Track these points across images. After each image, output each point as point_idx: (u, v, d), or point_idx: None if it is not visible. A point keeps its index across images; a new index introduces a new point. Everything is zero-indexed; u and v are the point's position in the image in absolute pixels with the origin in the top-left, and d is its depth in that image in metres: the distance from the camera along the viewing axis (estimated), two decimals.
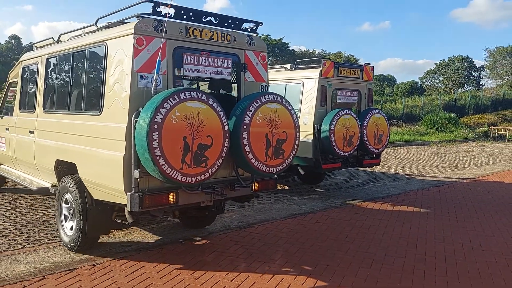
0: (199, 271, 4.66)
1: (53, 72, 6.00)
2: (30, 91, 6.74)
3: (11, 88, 8.01)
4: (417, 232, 6.32)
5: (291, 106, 5.07)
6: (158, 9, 4.40)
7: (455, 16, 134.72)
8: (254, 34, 5.28)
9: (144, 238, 5.75)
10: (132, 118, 4.19)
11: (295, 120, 5.07)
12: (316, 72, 8.15)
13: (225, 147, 4.48)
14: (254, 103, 4.71)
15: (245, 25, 5.16)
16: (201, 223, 6.22)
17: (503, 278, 4.71)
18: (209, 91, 5.62)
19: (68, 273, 4.60)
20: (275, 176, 5.32)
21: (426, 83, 63.81)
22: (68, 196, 5.29)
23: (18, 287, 4.25)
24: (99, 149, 4.67)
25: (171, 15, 4.50)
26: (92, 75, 5.11)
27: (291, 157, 5.06)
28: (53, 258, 5.05)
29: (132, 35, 4.28)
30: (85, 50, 5.09)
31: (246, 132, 4.63)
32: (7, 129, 7.29)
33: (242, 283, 4.40)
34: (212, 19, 4.81)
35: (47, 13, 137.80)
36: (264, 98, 4.79)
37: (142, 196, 4.20)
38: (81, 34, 5.46)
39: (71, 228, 5.26)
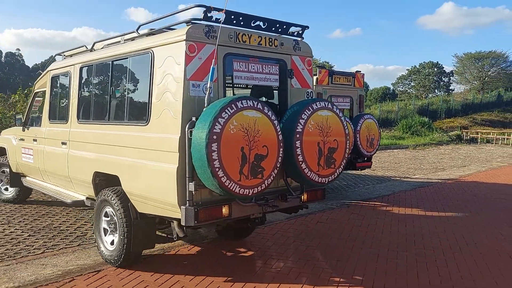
0: (227, 271, 4.89)
1: (88, 82, 5.82)
2: (61, 101, 6.57)
3: (36, 98, 7.84)
4: (412, 229, 6.77)
5: (342, 113, 4.89)
6: (209, 14, 4.22)
7: (422, 23, 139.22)
8: (299, 39, 5.10)
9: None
10: (186, 129, 4.00)
11: (345, 128, 4.88)
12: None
13: (280, 157, 4.29)
14: (306, 110, 4.52)
15: (292, 29, 4.98)
16: (240, 234, 6.03)
17: (498, 267, 5.17)
18: None
19: (95, 274, 4.83)
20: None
21: (398, 89, 66.08)
22: (108, 209, 5.11)
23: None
24: (147, 160, 4.48)
25: (222, 20, 4.32)
26: (136, 84, 4.94)
27: (342, 166, 4.87)
28: (76, 261, 5.23)
29: (184, 41, 4.11)
30: (127, 58, 4.91)
31: (299, 141, 4.44)
32: (34, 140, 7.11)
33: (265, 277, 4.77)
34: (261, 23, 4.64)
35: (13, 19, 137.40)
36: (316, 105, 4.60)
37: (197, 210, 4.01)
38: (119, 42, 5.29)
39: (112, 243, 5.07)
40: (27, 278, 4.70)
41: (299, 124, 4.45)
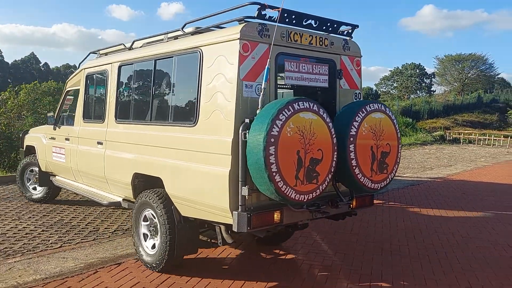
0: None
1: (128, 80, 5.69)
2: (97, 100, 6.47)
3: (68, 97, 7.75)
4: (410, 225, 7.09)
5: (394, 115, 4.69)
6: (263, 12, 4.06)
7: (404, 25, 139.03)
8: (349, 38, 4.92)
9: None
10: (240, 131, 3.85)
11: (398, 131, 4.69)
12: None
13: (334, 161, 4.12)
14: (360, 112, 4.34)
15: (341, 28, 4.80)
16: (279, 239, 5.87)
17: (494, 259, 5.58)
18: None
19: (117, 266, 5.09)
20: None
21: (381, 89, 67.09)
22: (149, 212, 4.98)
23: (76, 279, 4.69)
24: (194, 163, 4.34)
25: (275, 18, 4.16)
26: (182, 84, 4.79)
27: (394, 172, 4.68)
28: (95, 254, 5.47)
29: (238, 40, 3.95)
30: (172, 57, 4.77)
31: (352, 145, 4.26)
32: (67, 139, 7.02)
33: (281, 267, 5.13)
34: (312, 22, 4.46)
35: None
36: (370, 106, 4.42)
37: (250, 216, 3.85)
38: (162, 40, 5.15)
39: (153, 246, 4.94)
40: (52, 270, 4.91)
41: (352, 127, 4.27)
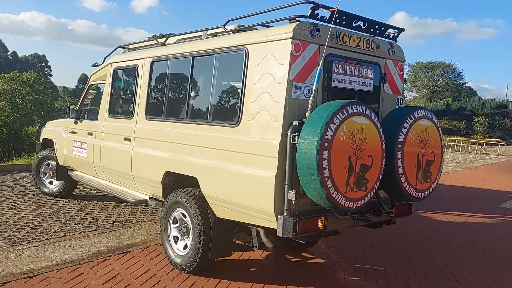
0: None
1: (161, 77, 5.56)
2: (125, 96, 6.34)
3: (90, 91, 7.62)
4: (396, 224, 6.96)
5: (438, 123, 4.57)
6: (315, 12, 3.94)
7: None
8: (394, 42, 4.80)
9: None
10: (288, 133, 3.72)
11: (442, 139, 4.57)
12: None
13: (382, 168, 3.99)
14: (408, 119, 4.22)
15: (388, 31, 4.67)
16: (307, 243, 5.73)
17: (473, 255, 6.04)
18: None
19: (124, 255, 5.27)
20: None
21: None
22: (180, 212, 4.85)
23: (88, 266, 4.86)
24: (235, 164, 4.21)
25: (326, 18, 4.04)
26: (223, 83, 4.66)
27: (436, 181, 4.55)
28: (100, 243, 5.64)
29: (290, 40, 3.82)
30: (213, 54, 4.63)
31: (400, 152, 4.14)
32: (89, 134, 6.89)
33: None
34: (361, 23, 4.34)
35: None
36: (418, 113, 4.30)
37: (296, 221, 3.72)
38: (201, 36, 5.03)
39: (185, 247, 4.82)
40: (61, 257, 5.07)
41: (401, 134, 4.14)
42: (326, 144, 3.49)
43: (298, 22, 3.88)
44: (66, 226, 6.33)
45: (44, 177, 8.35)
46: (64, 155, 7.69)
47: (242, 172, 4.13)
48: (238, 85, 4.30)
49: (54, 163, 8.20)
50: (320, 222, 3.93)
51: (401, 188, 4.19)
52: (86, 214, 7.12)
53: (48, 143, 8.41)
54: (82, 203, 7.88)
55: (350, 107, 3.68)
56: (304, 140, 3.57)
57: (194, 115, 4.88)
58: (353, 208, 3.78)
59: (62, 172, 7.95)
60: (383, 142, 3.95)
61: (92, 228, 6.32)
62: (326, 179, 3.51)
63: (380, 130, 3.93)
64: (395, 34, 4.74)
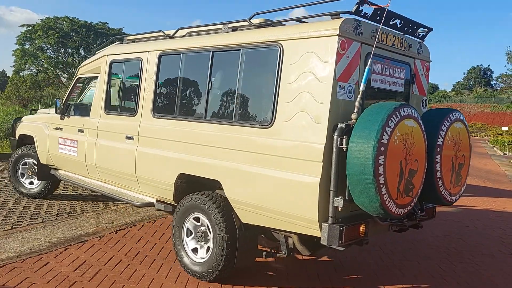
0: None
1: (171, 72, 5.19)
2: (126, 91, 5.91)
3: (78, 84, 7.11)
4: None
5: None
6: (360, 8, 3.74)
7: None
8: (422, 41, 4.68)
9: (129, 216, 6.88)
10: (335, 136, 3.51)
11: (471, 142, 4.50)
12: None
13: (424, 173, 3.86)
14: (446, 121, 4.11)
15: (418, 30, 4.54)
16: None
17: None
18: None
19: (83, 244, 5.41)
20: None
21: None
22: (197, 216, 4.57)
23: (52, 256, 4.96)
24: (268, 168, 3.95)
25: (368, 15, 3.85)
26: (251, 80, 4.36)
27: (465, 185, 4.48)
28: (53, 234, 5.76)
29: (336, 37, 3.60)
30: (239, 49, 4.33)
31: (439, 156, 4.02)
32: (80, 131, 6.41)
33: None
34: (397, 21, 4.17)
35: None
36: (453, 115, 4.20)
37: (343, 228, 3.53)
38: (221, 30, 4.71)
39: (201, 253, 4.54)
40: (20, 248, 5.11)
41: (439, 137, 4.03)
42: (382, 148, 3.31)
43: (344, 18, 3.67)
44: (9, 219, 6.34)
45: (22, 178, 7.76)
46: (47, 153, 7.14)
47: (276, 176, 3.88)
48: (270, 83, 4.04)
49: (31, 161, 7.63)
50: (362, 229, 3.76)
51: (437, 192, 4.09)
52: (24, 206, 7.10)
53: (25, 139, 7.81)
54: (15, 195, 7.83)
55: (402, 109, 3.52)
56: (356, 144, 3.36)
57: (216, 114, 4.57)
58: (401, 214, 3.63)
59: (44, 171, 7.40)
60: (426, 146, 3.82)
61: (38, 220, 6.40)
62: (381, 185, 3.33)
63: (424, 133, 3.79)
64: (424, 34, 4.61)
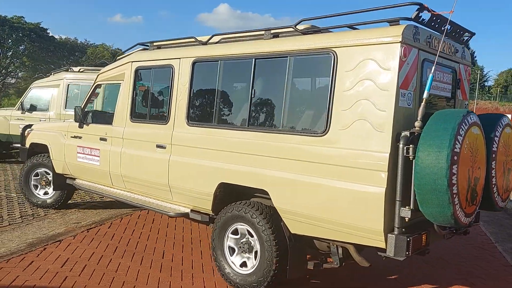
0: None
1: (207, 80, 5.07)
2: (155, 99, 5.77)
3: (96, 92, 6.93)
4: None
5: None
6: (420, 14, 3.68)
7: (201, 20, 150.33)
8: (464, 46, 4.66)
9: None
10: (401, 145, 3.45)
11: None
12: None
13: (484, 180, 3.82)
14: (498, 126, 4.08)
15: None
16: None
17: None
18: None
19: (59, 243, 5.57)
20: None
21: None
22: (241, 226, 4.48)
23: (34, 255, 5.12)
24: (324, 177, 3.86)
25: (425, 21, 3.80)
26: (300, 88, 4.31)
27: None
28: (26, 236, 5.89)
29: (399, 44, 3.54)
30: (286, 57, 4.24)
31: (494, 162, 4.00)
32: (102, 139, 6.24)
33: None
34: (448, 27, 4.13)
35: None
36: (504, 120, 4.18)
37: (410, 239, 3.47)
38: (263, 36, 4.61)
39: (243, 265, 4.46)
40: None
41: (494, 142, 4.00)
42: (455, 158, 3.26)
43: (405, 25, 3.61)
44: None
45: (36, 190, 7.53)
46: (63, 163, 6.95)
47: (331, 185, 3.80)
48: (322, 91, 3.97)
49: (44, 171, 7.42)
50: (424, 238, 3.70)
51: (492, 198, 4.06)
52: None
53: (36, 148, 7.59)
54: None
55: (469, 117, 3.47)
56: (427, 153, 3.30)
57: (261, 123, 4.47)
58: (467, 223, 3.58)
59: (59, 181, 7.20)
60: (486, 152, 3.79)
61: (4, 223, 6.50)
62: (454, 195, 3.28)
63: (485, 140, 3.76)
64: (468, 38, 4.59)
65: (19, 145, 11.92)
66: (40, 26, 46.31)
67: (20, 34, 40.64)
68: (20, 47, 42.00)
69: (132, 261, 5.10)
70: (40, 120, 10.91)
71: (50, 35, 48.90)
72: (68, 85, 11.08)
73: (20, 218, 6.85)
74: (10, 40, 39.49)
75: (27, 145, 7.76)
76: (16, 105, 12.38)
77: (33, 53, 42.42)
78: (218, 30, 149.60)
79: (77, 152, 6.66)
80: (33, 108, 11.64)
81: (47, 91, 11.57)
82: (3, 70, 40.89)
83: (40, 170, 7.50)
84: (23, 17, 45.26)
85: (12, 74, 43.26)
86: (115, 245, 5.62)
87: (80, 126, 6.64)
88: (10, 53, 41.61)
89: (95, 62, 36.86)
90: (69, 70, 11.68)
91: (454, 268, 5.40)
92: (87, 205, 7.88)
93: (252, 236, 4.40)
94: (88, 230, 6.27)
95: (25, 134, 7.90)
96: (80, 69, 11.66)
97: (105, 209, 7.55)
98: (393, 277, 5.03)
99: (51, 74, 12.13)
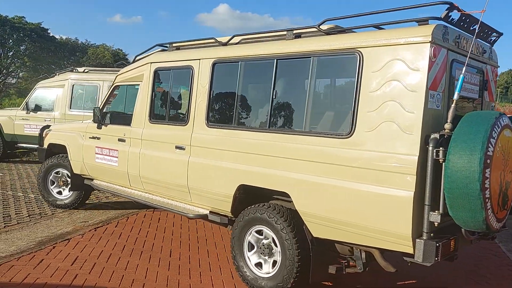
0: None
1: (227, 80, 5.02)
2: (174, 100, 5.74)
3: (115, 93, 6.92)
4: None
5: None
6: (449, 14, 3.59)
7: (201, 20, 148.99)
8: (492, 46, 4.54)
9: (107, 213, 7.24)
10: (430, 147, 3.35)
11: None
12: None
13: None
14: None
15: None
16: None
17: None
18: None
19: (68, 242, 5.64)
20: None
21: None
22: (260, 229, 4.42)
23: (43, 253, 5.19)
24: (349, 180, 3.77)
25: (454, 20, 3.70)
26: (323, 89, 4.23)
27: None
28: (35, 234, 5.95)
29: (429, 44, 3.44)
30: (309, 57, 4.16)
31: None
32: (121, 140, 6.22)
33: None
34: (476, 27, 4.02)
35: None
36: None
37: (439, 245, 3.37)
38: (285, 36, 4.54)
39: (265, 268, 4.40)
40: (9, 249, 5.30)
41: None
42: (488, 161, 3.15)
43: (435, 25, 3.51)
44: None
45: (54, 190, 7.54)
46: (81, 163, 6.95)
47: (356, 188, 3.71)
48: (347, 92, 3.88)
49: (62, 170, 7.43)
50: (452, 244, 3.60)
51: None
52: None
53: (53, 148, 7.61)
54: None
55: (502, 119, 3.36)
56: (459, 156, 3.20)
57: (283, 124, 4.40)
58: (498, 229, 3.47)
59: (77, 182, 7.20)
60: None
61: (13, 222, 6.55)
62: (487, 200, 3.17)
63: None
64: (495, 38, 4.47)
65: (24, 144, 12.19)
66: (41, 26, 45.69)
67: (21, 34, 40.36)
68: (21, 47, 41.85)
69: (141, 260, 5.19)
70: (45, 120, 10.99)
71: (51, 35, 48.57)
72: (73, 85, 11.19)
73: (28, 217, 6.92)
74: (11, 40, 39.30)
75: (45, 146, 7.78)
76: (21, 105, 12.47)
77: (34, 53, 42.35)
78: (218, 31, 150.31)
79: (95, 153, 6.65)
80: (38, 108, 11.72)
81: (52, 91, 11.66)
82: (4, 70, 40.86)
83: (61, 170, 7.51)
84: (24, 17, 44.51)
85: (13, 74, 43.27)
86: (123, 244, 5.69)
87: (99, 127, 6.64)
88: (11, 53, 41.53)
89: (96, 62, 37.05)
90: (74, 70, 11.80)
91: (458, 267, 5.28)
92: (94, 204, 7.95)
93: (272, 239, 4.34)
94: (95, 229, 6.32)
95: (43, 135, 7.93)
96: (85, 69, 11.81)
97: (111, 209, 7.62)
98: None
99: (56, 75, 12.23)
